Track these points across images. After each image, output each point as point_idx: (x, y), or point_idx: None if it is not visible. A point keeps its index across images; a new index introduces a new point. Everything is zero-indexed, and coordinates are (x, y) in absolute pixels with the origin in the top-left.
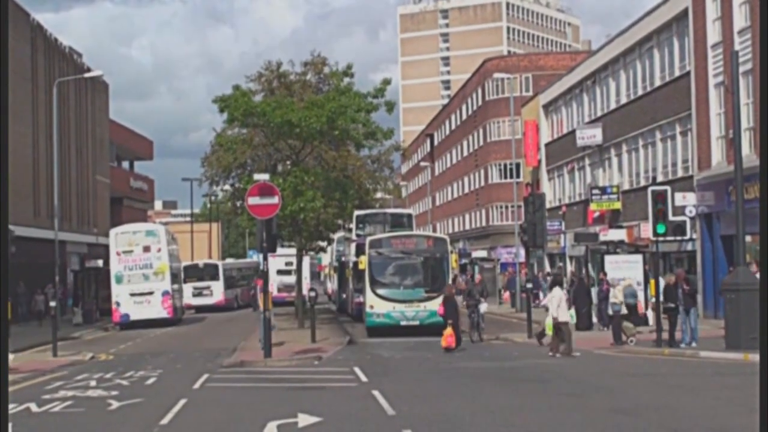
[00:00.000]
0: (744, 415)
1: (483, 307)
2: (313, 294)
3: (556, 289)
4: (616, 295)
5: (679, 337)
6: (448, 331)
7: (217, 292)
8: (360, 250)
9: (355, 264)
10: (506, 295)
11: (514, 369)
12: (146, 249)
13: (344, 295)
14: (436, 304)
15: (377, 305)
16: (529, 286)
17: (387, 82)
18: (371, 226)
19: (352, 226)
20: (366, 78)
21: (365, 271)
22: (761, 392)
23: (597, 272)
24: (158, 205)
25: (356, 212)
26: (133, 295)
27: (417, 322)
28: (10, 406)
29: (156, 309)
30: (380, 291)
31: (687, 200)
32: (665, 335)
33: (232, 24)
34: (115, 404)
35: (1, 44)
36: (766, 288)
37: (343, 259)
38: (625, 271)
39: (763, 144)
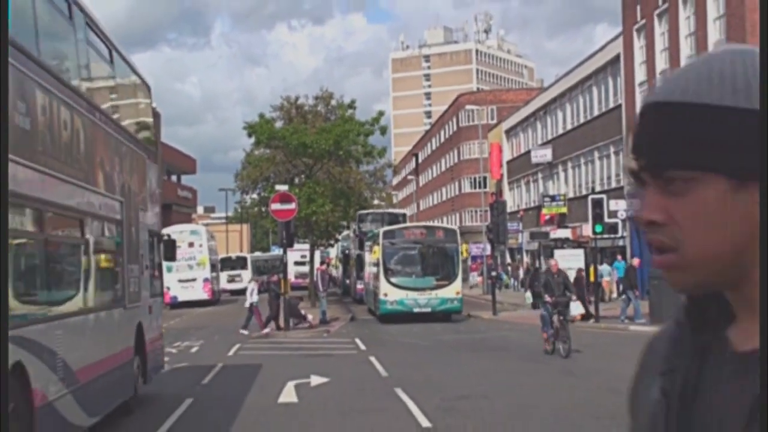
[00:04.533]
0: None
1: (574, 307)
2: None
3: None
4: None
5: (631, 313)
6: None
7: (246, 279)
8: (362, 244)
9: (358, 256)
10: (479, 279)
11: (484, 340)
12: (191, 245)
13: (347, 281)
14: (447, 292)
15: (391, 293)
16: (494, 274)
17: (381, 113)
18: (372, 223)
19: (354, 224)
20: (370, 108)
21: (379, 261)
22: (761, 392)
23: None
24: (200, 210)
25: (359, 212)
26: (180, 281)
27: (429, 309)
28: None
29: (198, 292)
30: (394, 279)
31: (619, 206)
32: (610, 312)
33: (265, 65)
34: (166, 368)
35: (1, 44)
36: (766, 287)
37: (346, 252)
38: (570, 262)
39: (762, 144)
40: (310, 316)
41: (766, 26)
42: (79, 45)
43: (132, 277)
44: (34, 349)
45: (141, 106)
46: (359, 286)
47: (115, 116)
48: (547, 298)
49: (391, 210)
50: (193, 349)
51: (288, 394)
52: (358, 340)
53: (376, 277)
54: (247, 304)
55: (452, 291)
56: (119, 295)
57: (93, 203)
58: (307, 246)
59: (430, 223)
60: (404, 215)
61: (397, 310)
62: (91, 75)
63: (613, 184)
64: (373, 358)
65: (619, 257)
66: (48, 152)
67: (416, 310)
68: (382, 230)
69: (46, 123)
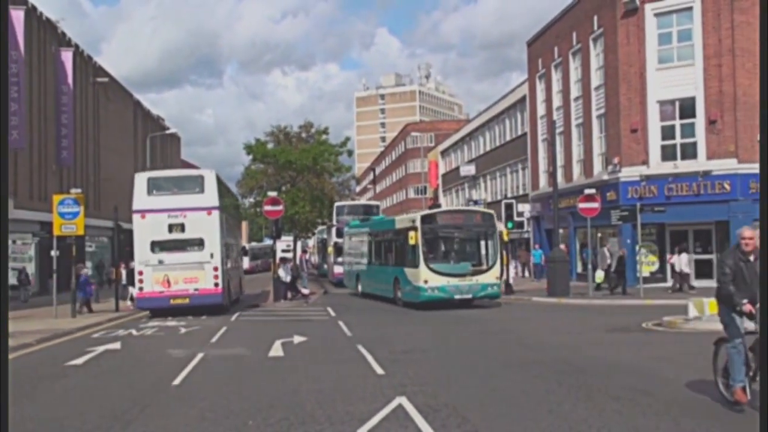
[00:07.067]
0: (557, 334)
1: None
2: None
3: (684, 254)
4: None
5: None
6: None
7: (246, 263)
8: (339, 233)
9: (335, 244)
10: None
11: (433, 314)
12: None
13: (325, 266)
14: (487, 277)
15: (431, 279)
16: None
17: (348, 138)
18: (348, 215)
19: (328, 220)
20: (341, 133)
21: (417, 247)
22: (761, 390)
23: None
24: None
25: (336, 204)
26: None
27: (470, 296)
28: (120, 332)
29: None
30: (434, 265)
31: (524, 208)
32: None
33: (263, 101)
34: (183, 330)
35: (1, 44)
36: (766, 287)
37: (323, 242)
38: None
39: (762, 145)
40: (304, 290)
41: (766, 26)
42: (232, 197)
43: (239, 261)
44: (231, 275)
45: (237, 203)
46: (337, 270)
47: (235, 211)
48: (746, 305)
49: (365, 202)
50: (203, 317)
51: (276, 350)
52: (329, 309)
53: (413, 263)
54: (288, 279)
55: (492, 276)
56: (238, 266)
57: (235, 240)
58: (291, 238)
59: (467, 207)
60: (377, 206)
61: (438, 297)
62: (234, 207)
63: (521, 192)
64: (341, 323)
65: (536, 246)
66: (231, 232)
67: (457, 296)
68: (419, 215)
69: (228, 227)
